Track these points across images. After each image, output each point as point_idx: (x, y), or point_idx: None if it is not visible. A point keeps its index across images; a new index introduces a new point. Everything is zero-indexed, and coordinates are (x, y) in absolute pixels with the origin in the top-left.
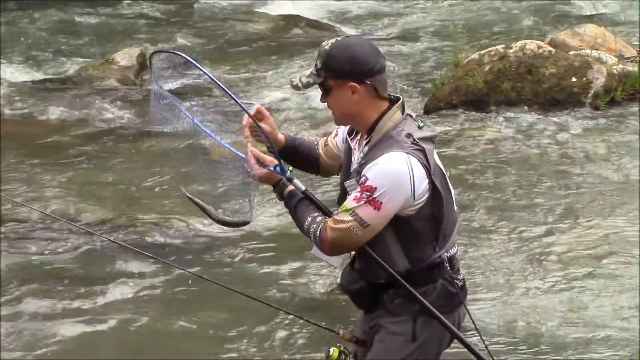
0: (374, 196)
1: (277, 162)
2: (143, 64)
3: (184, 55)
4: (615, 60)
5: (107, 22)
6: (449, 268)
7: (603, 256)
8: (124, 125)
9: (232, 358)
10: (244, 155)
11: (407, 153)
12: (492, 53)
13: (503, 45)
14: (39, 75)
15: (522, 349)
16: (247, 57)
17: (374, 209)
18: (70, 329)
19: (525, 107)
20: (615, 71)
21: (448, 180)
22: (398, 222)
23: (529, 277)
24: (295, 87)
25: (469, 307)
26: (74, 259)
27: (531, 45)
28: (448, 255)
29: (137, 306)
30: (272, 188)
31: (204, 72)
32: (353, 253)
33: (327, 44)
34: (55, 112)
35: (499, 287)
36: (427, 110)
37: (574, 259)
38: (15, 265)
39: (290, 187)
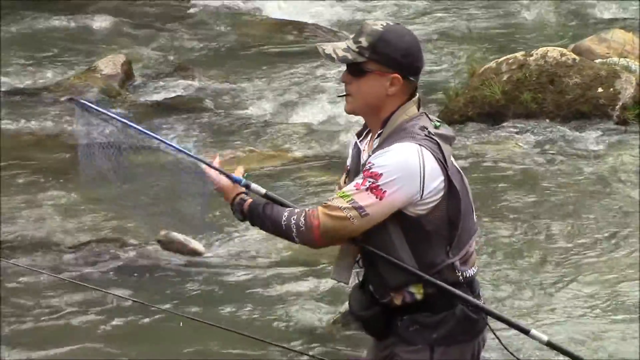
0: (378, 183)
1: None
2: (129, 73)
3: (108, 113)
4: None
5: (89, 27)
6: (469, 291)
7: (628, 278)
8: None
9: None
10: (206, 160)
11: (420, 145)
12: (510, 61)
13: (523, 53)
14: (13, 85)
15: None
16: (240, 62)
17: (377, 197)
18: None
19: (547, 120)
20: None
21: (468, 186)
22: (407, 222)
23: (548, 296)
24: (329, 58)
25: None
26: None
27: (553, 52)
28: (466, 275)
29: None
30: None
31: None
32: (360, 271)
33: (377, 25)
34: (31, 125)
35: (520, 307)
36: None
37: (597, 282)
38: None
39: (250, 199)
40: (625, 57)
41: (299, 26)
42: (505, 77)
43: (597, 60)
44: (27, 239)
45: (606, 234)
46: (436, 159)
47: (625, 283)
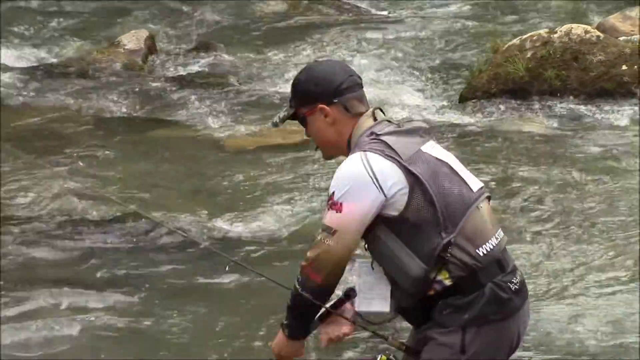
0: (334, 200)
1: None
2: (152, 48)
3: None
4: None
5: (113, 2)
6: (498, 270)
7: None
8: (130, 113)
9: None
10: None
11: (364, 151)
12: (534, 38)
13: (547, 30)
14: (39, 60)
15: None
16: (263, 37)
17: (336, 212)
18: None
19: (571, 97)
20: None
21: (448, 160)
22: (394, 224)
23: (569, 280)
24: (274, 125)
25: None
26: (82, 257)
27: (577, 29)
28: (486, 251)
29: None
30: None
31: None
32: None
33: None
34: (56, 100)
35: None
36: (462, 100)
37: (622, 264)
38: (17, 264)
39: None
40: None
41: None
42: (529, 54)
43: (622, 38)
44: (52, 210)
45: (630, 208)
46: (385, 157)
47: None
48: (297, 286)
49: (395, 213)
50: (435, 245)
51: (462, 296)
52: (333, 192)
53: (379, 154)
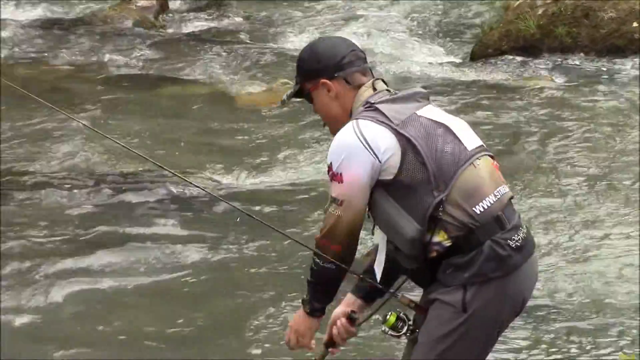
0: (333, 171)
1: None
2: (164, 5)
3: None
4: None
5: None
6: (497, 227)
7: None
8: (142, 69)
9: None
10: None
11: (356, 119)
12: None
13: None
14: (49, 15)
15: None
16: None
17: (338, 182)
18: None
19: (582, 54)
20: None
21: (444, 120)
22: (389, 188)
23: (574, 229)
24: (282, 102)
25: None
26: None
27: None
28: (483, 208)
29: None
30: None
31: None
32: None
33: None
34: (69, 56)
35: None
36: (474, 57)
37: (628, 215)
38: (33, 217)
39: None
40: None
41: None
42: (540, 11)
43: None
44: (66, 166)
45: (631, 160)
46: (376, 122)
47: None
48: (318, 260)
49: (390, 177)
50: (428, 205)
51: (461, 255)
52: (331, 163)
53: (370, 120)
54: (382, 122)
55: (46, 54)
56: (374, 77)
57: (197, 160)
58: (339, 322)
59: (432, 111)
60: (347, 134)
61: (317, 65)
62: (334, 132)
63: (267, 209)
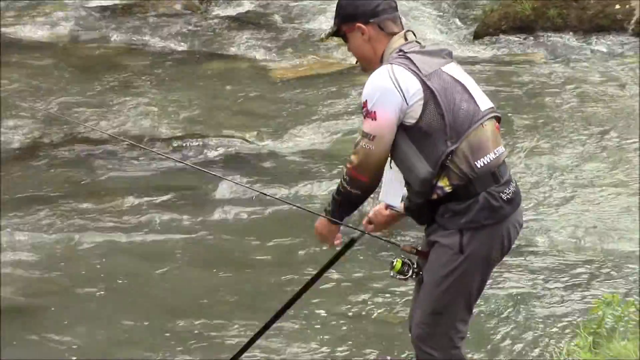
0: (368, 109)
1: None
2: None
3: None
4: None
5: None
6: (492, 181)
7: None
8: (188, 48)
9: (296, 272)
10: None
11: (391, 64)
12: None
13: None
14: (108, 1)
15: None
16: None
17: (372, 119)
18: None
19: (571, 33)
20: None
21: (464, 80)
22: (410, 131)
23: (562, 194)
24: (321, 40)
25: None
26: (140, 178)
27: None
28: (483, 163)
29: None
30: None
31: None
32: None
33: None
34: (123, 36)
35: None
36: (477, 36)
37: (622, 177)
38: (92, 178)
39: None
40: None
41: None
42: None
43: None
44: (121, 132)
45: (618, 124)
46: (408, 69)
47: (626, 164)
48: (346, 186)
49: (411, 121)
50: (441, 153)
51: (459, 202)
52: (365, 101)
53: (403, 67)
54: (413, 70)
55: (105, 35)
56: (403, 27)
57: (235, 124)
58: (377, 207)
59: (454, 69)
60: (382, 76)
61: (354, 10)
62: (365, 70)
63: (293, 166)
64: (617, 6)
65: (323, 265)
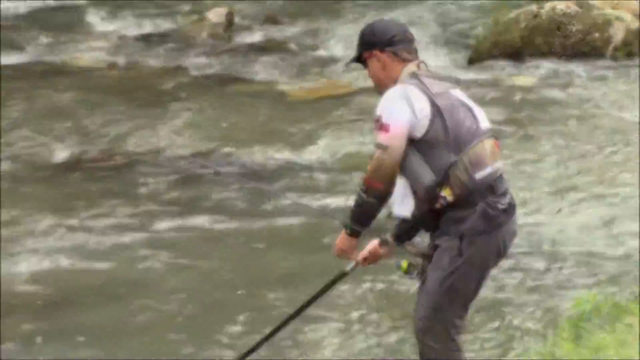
0: (382, 122)
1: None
2: (231, 21)
3: None
4: (633, 18)
5: None
6: (489, 193)
7: (617, 183)
8: (214, 72)
9: (312, 267)
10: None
11: (404, 83)
12: (526, 12)
13: (536, 6)
14: (143, 30)
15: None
16: (320, 12)
17: (385, 132)
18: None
19: (555, 59)
20: (633, 28)
21: (465, 101)
22: (417, 143)
23: (550, 204)
24: (345, 65)
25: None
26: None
27: (560, 5)
28: (482, 176)
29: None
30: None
31: None
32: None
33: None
34: (156, 61)
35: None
36: (471, 61)
37: (591, 184)
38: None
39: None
40: (617, 9)
41: None
42: (522, 25)
43: (595, 11)
44: (151, 148)
45: (601, 142)
46: (419, 89)
47: (619, 181)
48: (363, 195)
49: (419, 135)
50: (444, 163)
51: (460, 211)
52: (380, 116)
53: (414, 86)
54: (423, 90)
55: (139, 60)
56: (418, 58)
57: (256, 140)
58: (372, 243)
59: (460, 93)
60: (396, 94)
61: (372, 39)
62: (380, 92)
63: (309, 180)
64: (597, 34)
65: (314, 294)
